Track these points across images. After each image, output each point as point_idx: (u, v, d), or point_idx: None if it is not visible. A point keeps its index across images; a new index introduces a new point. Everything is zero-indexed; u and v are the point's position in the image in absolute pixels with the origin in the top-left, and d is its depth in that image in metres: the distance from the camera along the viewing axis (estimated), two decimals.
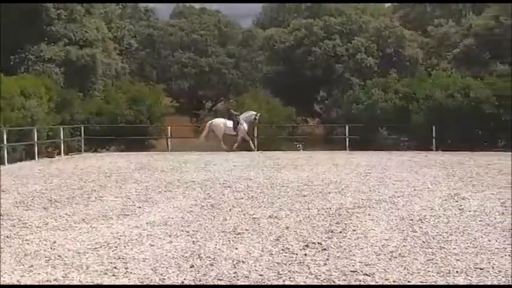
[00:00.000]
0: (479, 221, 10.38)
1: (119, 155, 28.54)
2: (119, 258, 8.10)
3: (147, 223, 10.35)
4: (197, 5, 54.73)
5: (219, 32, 50.07)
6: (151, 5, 52.59)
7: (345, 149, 31.88)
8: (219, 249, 8.48)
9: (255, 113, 30.74)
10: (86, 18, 36.18)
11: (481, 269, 7.39)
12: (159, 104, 35.86)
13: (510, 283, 6.98)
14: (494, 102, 32.47)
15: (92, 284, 7.18)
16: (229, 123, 30.34)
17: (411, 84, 34.94)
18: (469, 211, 11.32)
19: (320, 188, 14.65)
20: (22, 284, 7.23)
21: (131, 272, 7.45)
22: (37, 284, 7.21)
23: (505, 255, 7.99)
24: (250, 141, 30.56)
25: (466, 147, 29.73)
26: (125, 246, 8.72)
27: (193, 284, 7.04)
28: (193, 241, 8.97)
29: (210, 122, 31.16)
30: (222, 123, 30.57)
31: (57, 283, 7.14)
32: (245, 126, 30.26)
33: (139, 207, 11.99)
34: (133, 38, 46.92)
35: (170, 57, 47.30)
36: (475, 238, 9.03)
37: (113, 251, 8.45)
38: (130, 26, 46.44)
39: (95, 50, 35.19)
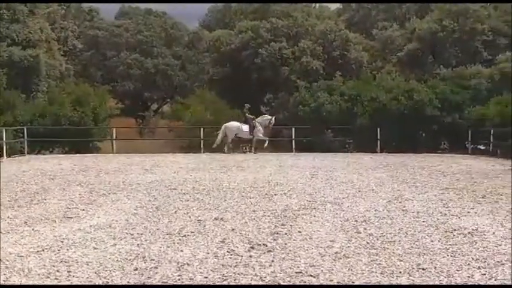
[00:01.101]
0: (422, 221, 10.52)
1: (63, 157, 28.15)
2: (62, 261, 7.96)
3: (90, 226, 10.21)
4: (143, 6, 54.34)
5: (165, 34, 49.80)
6: (95, 6, 52.00)
7: (291, 151, 32.02)
8: (163, 251, 8.41)
9: (270, 117, 31.14)
10: (29, 18, 35.61)
11: (423, 269, 7.48)
12: (104, 106, 35.41)
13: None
14: (437, 105, 33.05)
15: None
16: (245, 127, 30.42)
17: (356, 87, 35.30)
18: (412, 212, 11.47)
19: (266, 190, 14.67)
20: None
21: (74, 276, 7.33)
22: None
23: (447, 256, 8.12)
24: (266, 140, 30.80)
25: (410, 149, 30.17)
26: (67, 250, 8.58)
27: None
28: (138, 244, 8.88)
29: (224, 125, 31.02)
30: (235, 126, 30.64)
31: None
32: (261, 129, 30.42)
33: (83, 210, 11.82)
34: (78, 38, 46.36)
35: (115, 58, 46.83)
36: (417, 239, 9.14)
37: (55, 254, 8.31)
38: (74, 26, 45.85)
39: (38, 50, 34.67)
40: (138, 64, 46.47)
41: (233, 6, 52.87)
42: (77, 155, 29.05)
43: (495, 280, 7.07)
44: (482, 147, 33.08)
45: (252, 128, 30.34)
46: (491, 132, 30.62)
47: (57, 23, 41.99)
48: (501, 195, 13.92)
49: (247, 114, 31.25)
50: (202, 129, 32.90)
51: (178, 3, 56.19)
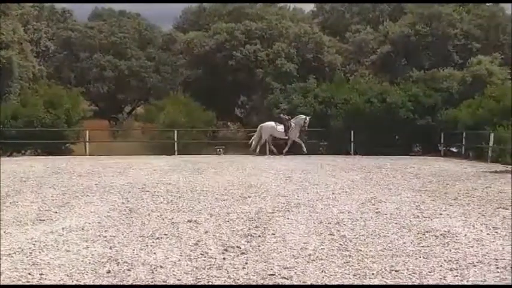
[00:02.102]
0: (395, 223, 10.58)
1: (35, 159, 27.93)
2: (34, 264, 7.89)
3: (63, 228, 10.13)
4: (116, 8, 54.07)
5: (139, 35, 49.59)
6: (69, 7, 51.65)
7: (265, 154, 32.02)
8: (136, 254, 8.37)
9: (304, 117, 30.76)
10: (2, 19, 35.28)
11: (396, 271, 7.52)
12: (77, 108, 35.18)
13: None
14: (410, 107, 33.28)
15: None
16: (280, 127, 30.39)
17: (330, 90, 35.42)
18: (385, 214, 11.53)
19: (240, 192, 14.66)
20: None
21: (46, 278, 7.28)
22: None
23: (419, 257, 8.16)
24: (302, 144, 30.54)
25: (383, 151, 30.33)
26: (40, 252, 8.50)
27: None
28: (111, 246, 8.83)
29: (260, 125, 30.92)
30: (270, 126, 30.69)
31: None
32: (297, 130, 30.31)
33: (56, 213, 11.73)
34: (51, 40, 46.03)
35: (89, 60, 46.50)
36: (390, 241, 9.19)
37: (27, 257, 8.23)
38: (47, 28, 45.50)
39: (11, 52, 34.38)
40: (111, 66, 46.18)
41: (207, 8, 52.78)
42: (50, 157, 28.83)
43: (467, 281, 7.12)
44: (454, 150, 33.42)
45: (287, 129, 30.31)
46: (464, 135, 30.92)
47: (30, 24, 41.67)
48: (473, 197, 14.04)
49: (281, 114, 31.23)
50: (176, 131, 32.85)
51: (153, 3, 56.09)
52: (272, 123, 30.79)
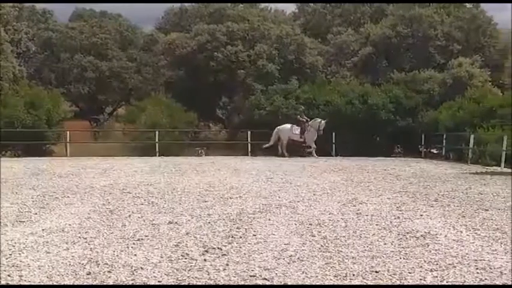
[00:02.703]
0: (376, 224, 10.61)
1: (15, 160, 27.73)
2: (13, 265, 7.82)
3: (43, 230, 10.06)
4: (97, 8, 53.86)
5: (120, 36, 49.42)
6: (49, 8, 51.36)
7: (247, 154, 32.08)
8: (117, 255, 8.33)
9: (319, 120, 30.64)
10: None
11: (376, 272, 7.54)
12: (57, 109, 34.97)
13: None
14: (391, 109, 33.45)
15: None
16: (296, 130, 30.29)
17: (312, 91, 35.49)
18: (366, 215, 11.56)
19: (221, 193, 14.65)
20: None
21: (25, 280, 7.22)
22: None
23: (400, 258, 8.19)
24: (313, 149, 30.63)
25: (364, 152, 30.46)
26: (19, 254, 8.43)
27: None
28: (91, 248, 8.78)
29: (277, 127, 30.74)
30: (287, 128, 30.63)
31: None
32: (313, 133, 30.25)
33: (36, 214, 11.65)
34: (31, 40, 45.73)
35: (69, 61, 46.22)
36: (371, 242, 9.21)
37: (6, 259, 8.15)
38: (28, 28, 45.21)
39: None
40: (92, 67, 45.95)
41: (189, 9, 52.70)
42: (30, 158, 28.65)
43: (447, 282, 7.16)
44: (435, 151, 33.63)
45: (303, 132, 30.25)
46: (444, 137, 31.12)
47: (10, 25, 41.35)
48: (453, 198, 14.12)
49: (299, 117, 31.06)
50: (157, 132, 32.79)
51: (135, 3, 55.90)
52: (288, 125, 30.78)
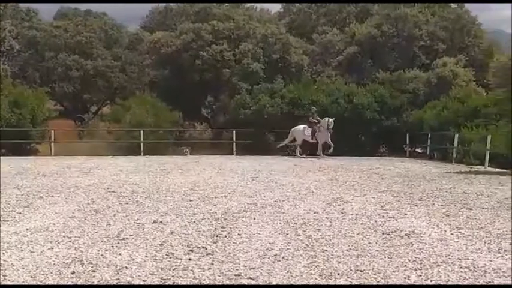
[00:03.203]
0: (360, 224, 10.63)
1: None
2: None
3: (27, 229, 10.00)
4: (82, 7, 53.63)
5: (105, 35, 49.22)
6: (33, 6, 51.04)
7: (232, 154, 32.08)
8: (101, 255, 8.29)
9: (327, 119, 30.05)
10: None
11: (361, 271, 7.55)
12: (42, 108, 34.80)
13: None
14: (376, 108, 33.53)
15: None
16: (308, 131, 29.99)
17: (297, 90, 35.52)
18: (351, 214, 11.58)
19: (206, 193, 14.64)
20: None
21: (9, 279, 7.17)
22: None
23: (384, 257, 8.21)
24: (319, 148, 30.20)
25: (349, 152, 30.52)
26: (3, 253, 8.37)
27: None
28: (75, 247, 8.74)
29: (292, 129, 30.62)
30: (301, 129, 30.25)
31: None
32: (324, 133, 29.76)
33: (20, 213, 11.58)
34: (15, 39, 45.47)
35: (54, 60, 45.97)
36: (356, 241, 9.22)
37: None
38: (11, 27, 44.94)
39: None
40: (77, 65, 45.72)
41: (174, 8, 52.62)
42: (14, 157, 28.49)
43: (431, 281, 7.18)
44: (419, 151, 33.76)
45: (314, 132, 29.89)
46: (429, 136, 31.25)
47: None
48: (437, 197, 14.18)
49: (310, 118, 30.58)
50: (142, 131, 32.72)
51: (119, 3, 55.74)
52: (301, 126, 30.43)
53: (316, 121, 30.22)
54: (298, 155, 30.37)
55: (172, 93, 39.01)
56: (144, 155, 31.06)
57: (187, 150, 33.35)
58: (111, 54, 47.71)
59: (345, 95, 34.34)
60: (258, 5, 53.68)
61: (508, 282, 7.24)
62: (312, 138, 30.10)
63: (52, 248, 8.69)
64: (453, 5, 44.56)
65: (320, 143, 30.08)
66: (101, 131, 39.29)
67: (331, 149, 29.73)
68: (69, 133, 39.25)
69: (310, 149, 30.67)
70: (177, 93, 38.93)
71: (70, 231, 9.85)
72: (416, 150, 34.29)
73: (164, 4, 54.39)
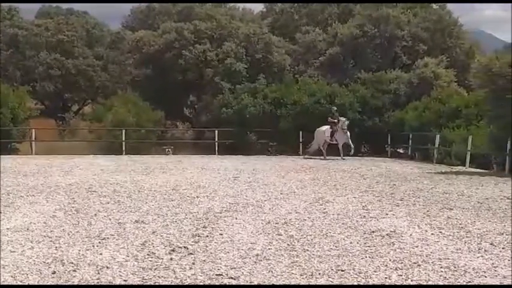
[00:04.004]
0: (342, 224, 10.67)
1: None
2: None
3: (7, 229, 9.94)
4: (64, 6, 53.36)
5: (87, 34, 49.00)
6: (15, 5, 50.68)
7: (215, 153, 32.06)
8: (82, 254, 8.26)
9: (343, 119, 29.64)
10: None
11: (342, 270, 7.57)
12: (23, 106, 34.55)
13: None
14: (358, 108, 33.63)
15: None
16: (328, 132, 29.34)
17: (279, 90, 35.56)
18: (333, 214, 11.62)
19: (188, 192, 14.64)
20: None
21: None
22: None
23: (365, 257, 8.24)
24: (340, 150, 29.67)
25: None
26: None
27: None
28: (56, 247, 8.70)
29: (316, 130, 30.11)
30: (322, 131, 29.62)
31: None
32: (342, 133, 29.26)
33: (0, 213, 11.50)
34: None
35: (35, 58, 45.72)
36: (337, 240, 9.25)
37: None
38: None
39: None
40: (58, 64, 45.46)
41: (156, 7, 52.49)
42: None
43: (411, 281, 7.22)
44: (401, 151, 33.89)
45: (333, 133, 29.30)
46: (410, 136, 31.39)
47: None
48: (418, 197, 14.27)
49: (329, 118, 29.95)
50: (124, 130, 32.61)
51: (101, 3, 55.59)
52: (323, 128, 29.76)
53: (336, 121, 29.68)
54: (324, 157, 29.60)
55: (154, 92, 38.90)
56: (126, 154, 30.96)
57: (170, 149, 33.30)
58: (92, 53, 47.50)
59: (327, 95, 34.39)
60: (241, 5, 53.69)
61: (490, 282, 7.30)
62: (331, 140, 29.56)
63: (32, 248, 8.64)
64: (435, 6, 44.74)
65: (340, 144, 29.54)
66: (83, 130, 39.12)
67: (352, 150, 29.38)
68: (50, 132, 39.03)
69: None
70: (159, 92, 38.82)
71: (51, 231, 9.81)
72: (398, 150, 34.42)
73: (146, 3, 54.21)
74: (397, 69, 37.87)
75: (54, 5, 53.84)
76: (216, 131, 33.82)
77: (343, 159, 28.87)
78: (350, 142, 29.48)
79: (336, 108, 30.76)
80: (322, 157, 29.55)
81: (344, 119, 29.71)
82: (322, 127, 29.95)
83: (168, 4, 49.73)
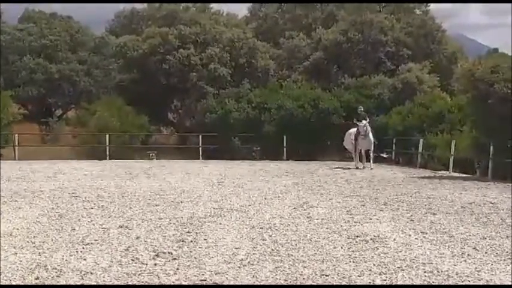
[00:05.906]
0: (326, 228, 10.69)
1: None
2: None
3: None
4: (47, 10, 53.00)
5: (70, 38, 48.76)
6: None
7: (199, 158, 32.02)
8: (66, 260, 8.23)
9: (362, 123, 26.89)
10: None
11: (326, 275, 7.59)
12: (6, 111, 34.35)
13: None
14: (342, 113, 33.70)
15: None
16: (353, 135, 27.30)
17: (264, 95, 35.60)
18: (317, 219, 11.64)
19: (172, 197, 14.62)
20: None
21: None
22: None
23: (349, 262, 8.26)
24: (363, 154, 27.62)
25: (316, 156, 30.64)
26: None
27: None
28: (40, 252, 8.66)
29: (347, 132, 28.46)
30: (349, 133, 27.86)
31: None
32: (360, 138, 26.94)
33: None
34: None
35: (18, 63, 45.45)
36: (321, 245, 9.27)
37: None
38: None
39: None
40: (41, 69, 45.20)
41: (140, 11, 52.38)
42: None
43: (395, 286, 7.25)
44: (385, 155, 33.94)
45: (356, 137, 27.13)
46: (394, 141, 31.48)
47: None
48: (402, 202, 14.32)
49: (355, 120, 27.82)
50: (107, 135, 32.50)
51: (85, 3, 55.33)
52: (351, 130, 27.87)
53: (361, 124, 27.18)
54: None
55: (138, 97, 38.77)
56: (109, 159, 30.85)
57: (154, 154, 33.22)
58: (76, 58, 47.29)
59: (311, 100, 34.46)
60: (225, 10, 53.64)
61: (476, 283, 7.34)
62: (353, 142, 27.59)
63: (16, 253, 8.59)
64: (418, 11, 44.99)
65: (361, 151, 27.52)
66: (66, 135, 38.96)
67: (371, 160, 27.42)
68: (34, 137, 38.86)
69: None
70: (143, 97, 38.71)
71: (34, 236, 9.76)
72: (382, 155, 34.47)
73: (130, 7, 54.07)
74: (380, 74, 37.99)
75: (37, 9, 53.37)
76: (200, 136, 33.81)
77: (371, 168, 26.55)
78: (371, 149, 27.51)
79: (362, 108, 28.42)
80: (354, 163, 27.70)
81: (364, 122, 26.92)
82: (350, 130, 28.14)
83: (152, 9, 49.58)
